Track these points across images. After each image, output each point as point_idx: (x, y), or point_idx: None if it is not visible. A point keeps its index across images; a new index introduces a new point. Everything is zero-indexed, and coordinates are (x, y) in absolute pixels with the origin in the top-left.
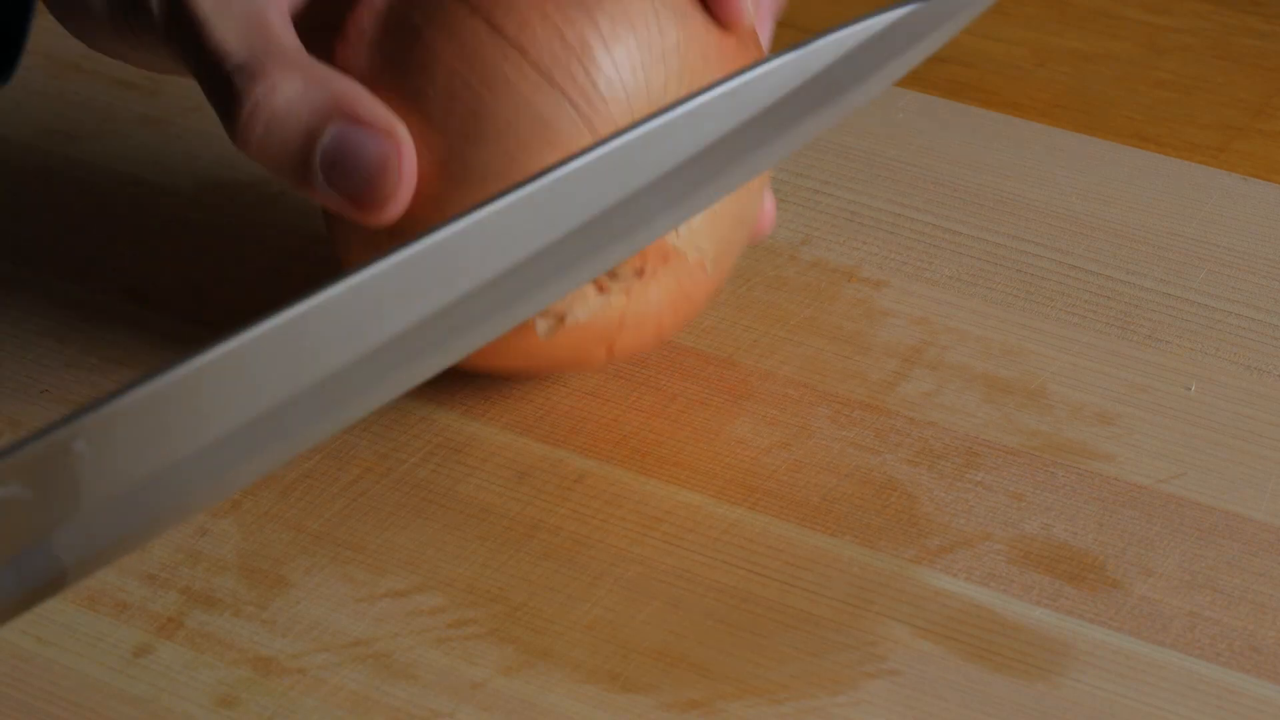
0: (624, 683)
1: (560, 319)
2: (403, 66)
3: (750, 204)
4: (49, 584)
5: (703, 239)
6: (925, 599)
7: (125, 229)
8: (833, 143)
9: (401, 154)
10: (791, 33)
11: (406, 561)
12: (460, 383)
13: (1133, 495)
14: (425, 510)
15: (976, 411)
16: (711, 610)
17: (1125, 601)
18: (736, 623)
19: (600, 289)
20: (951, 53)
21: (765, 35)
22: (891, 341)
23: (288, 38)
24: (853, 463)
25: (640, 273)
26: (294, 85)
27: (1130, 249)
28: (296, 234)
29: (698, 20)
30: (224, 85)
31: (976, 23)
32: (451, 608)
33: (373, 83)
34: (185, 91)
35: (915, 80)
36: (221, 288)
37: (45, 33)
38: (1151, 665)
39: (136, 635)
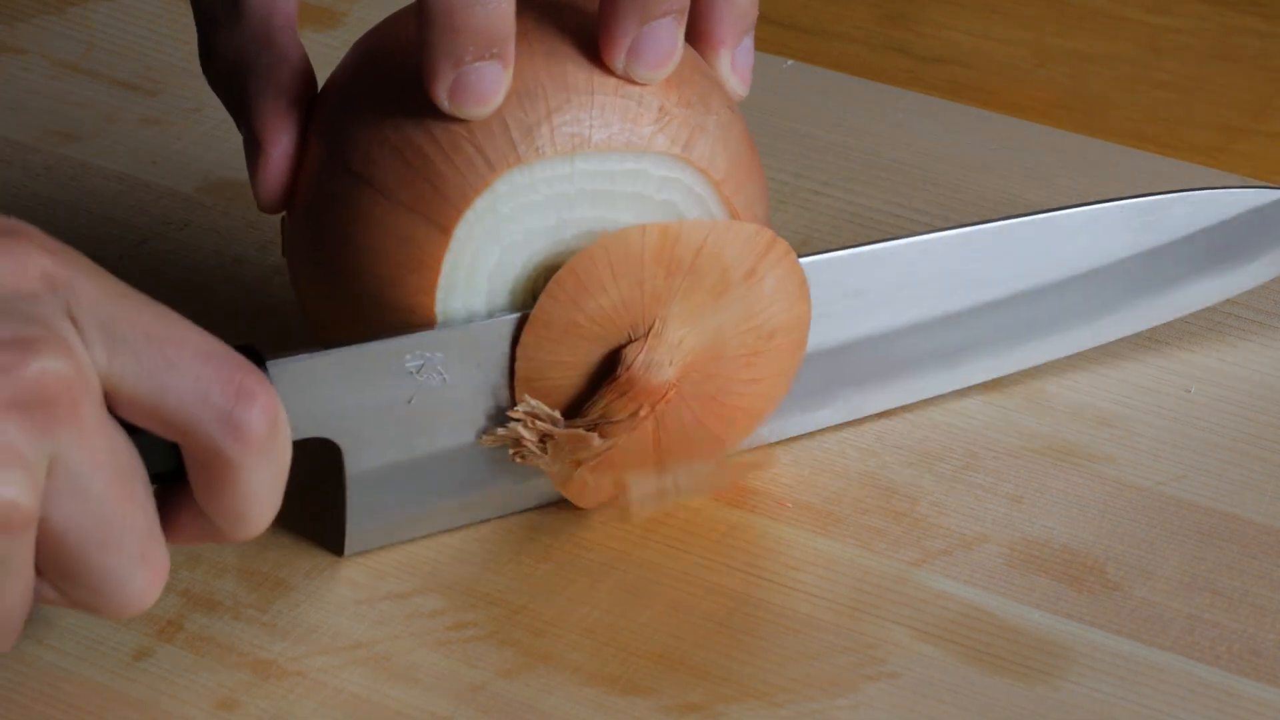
0: (624, 685)
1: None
2: (306, 219)
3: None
4: None
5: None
6: (925, 601)
7: (125, 229)
8: (833, 143)
9: (262, 167)
10: (792, 34)
11: (406, 564)
12: None
13: (1133, 497)
14: None
15: (976, 413)
16: (712, 613)
17: (1125, 604)
18: (737, 626)
19: (603, 436)
20: (951, 53)
21: (742, 58)
22: None
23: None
24: (853, 465)
25: (635, 414)
26: (232, 39)
27: None
28: None
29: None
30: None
31: (976, 23)
32: (451, 610)
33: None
34: (185, 92)
35: (915, 80)
36: (221, 288)
37: (45, 32)
38: (1151, 668)
39: (136, 638)
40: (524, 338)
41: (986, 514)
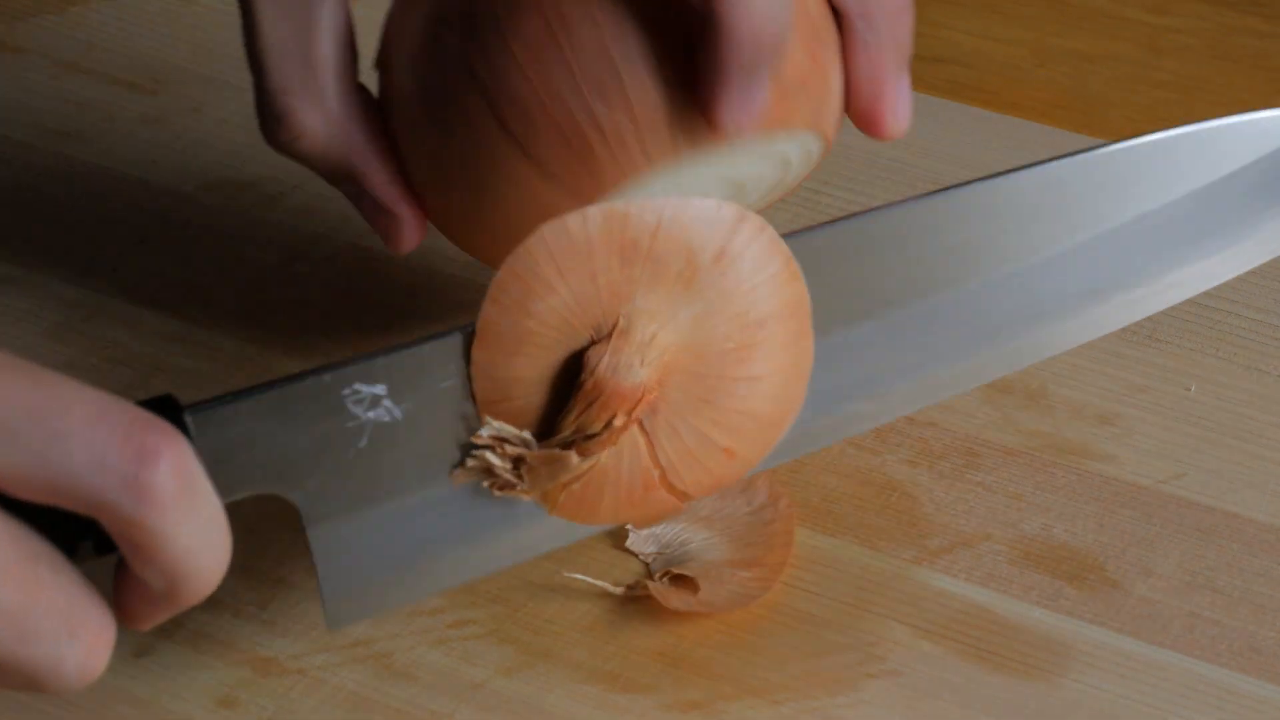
0: (624, 683)
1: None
2: (429, 121)
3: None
4: None
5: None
6: (925, 599)
7: (125, 229)
8: (833, 142)
9: (400, 231)
10: None
11: None
12: None
13: (1133, 496)
14: None
15: (976, 412)
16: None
17: (1125, 602)
18: (736, 623)
19: (581, 454)
20: (951, 53)
21: (900, 91)
22: None
23: (325, 70)
24: (853, 463)
25: (610, 424)
26: (314, 120)
27: None
28: (296, 234)
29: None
30: (258, 88)
31: (976, 23)
32: (451, 608)
33: (405, 112)
34: (185, 91)
35: (915, 80)
36: (221, 288)
37: (45, 32)
38: (1151, 665)
39: (137, 636)
40: (475, 355)
41: (987, 512)
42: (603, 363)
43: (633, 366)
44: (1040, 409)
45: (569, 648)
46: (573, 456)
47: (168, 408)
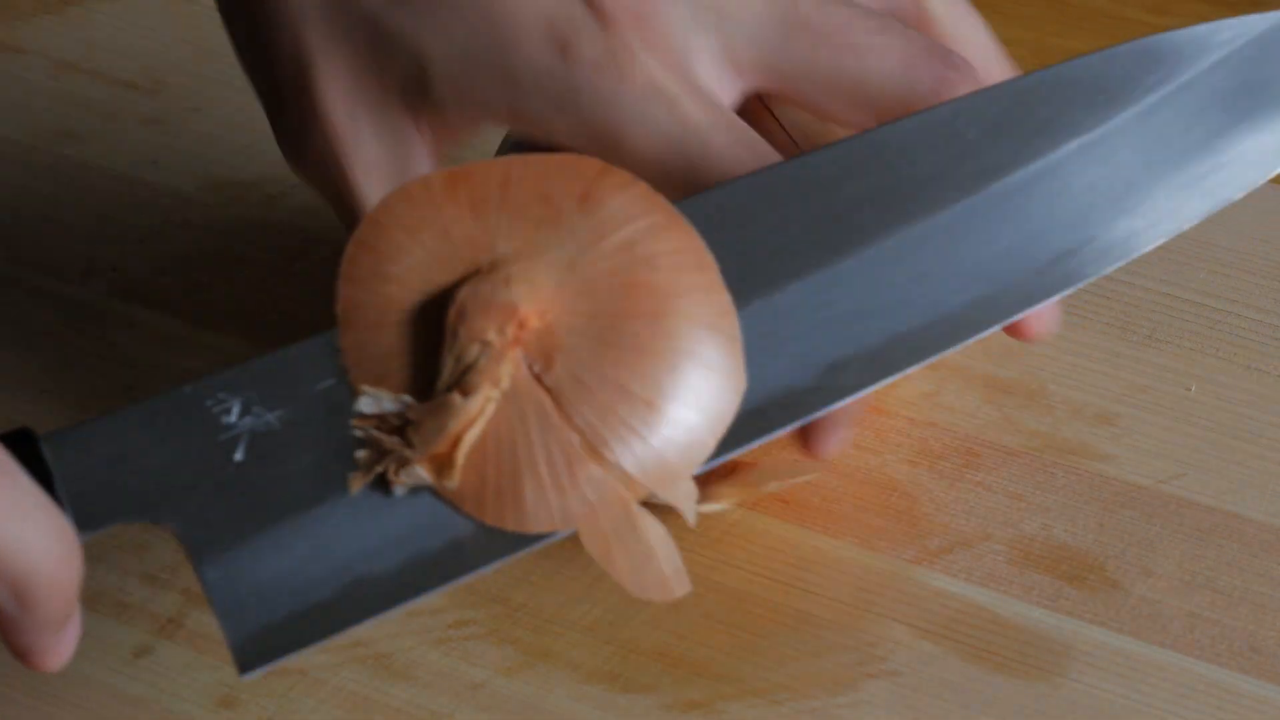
0: (624, 683)
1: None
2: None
3: None
4: None
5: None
6: (925, 599)
7: (125, 229)
8: None
9: None
10: None
11: None
12: None
13: (1132, 496)
14: None
15: (976, 412)
16: (711, 611)
17: (1125, 602)
18: (736, 623)
19: (464, 392)
20: None
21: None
22: None
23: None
24: (853, 463)
25: (489, 346)
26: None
27: None
28: (296, 234)
29: None
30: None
31: None
32: (451, 608)
33: None
34: (186, 91)
35: None
36: (221, 288)
37: (45, 32)
38: (1151, 666)
39: (137, 636)
40: (344, 342)
41: (987, 512)
42: (465, 289)
43: (498, 288)
44: (1040, 409)
45: (569, 648)
46: (455, 397)
47: (21, 440)
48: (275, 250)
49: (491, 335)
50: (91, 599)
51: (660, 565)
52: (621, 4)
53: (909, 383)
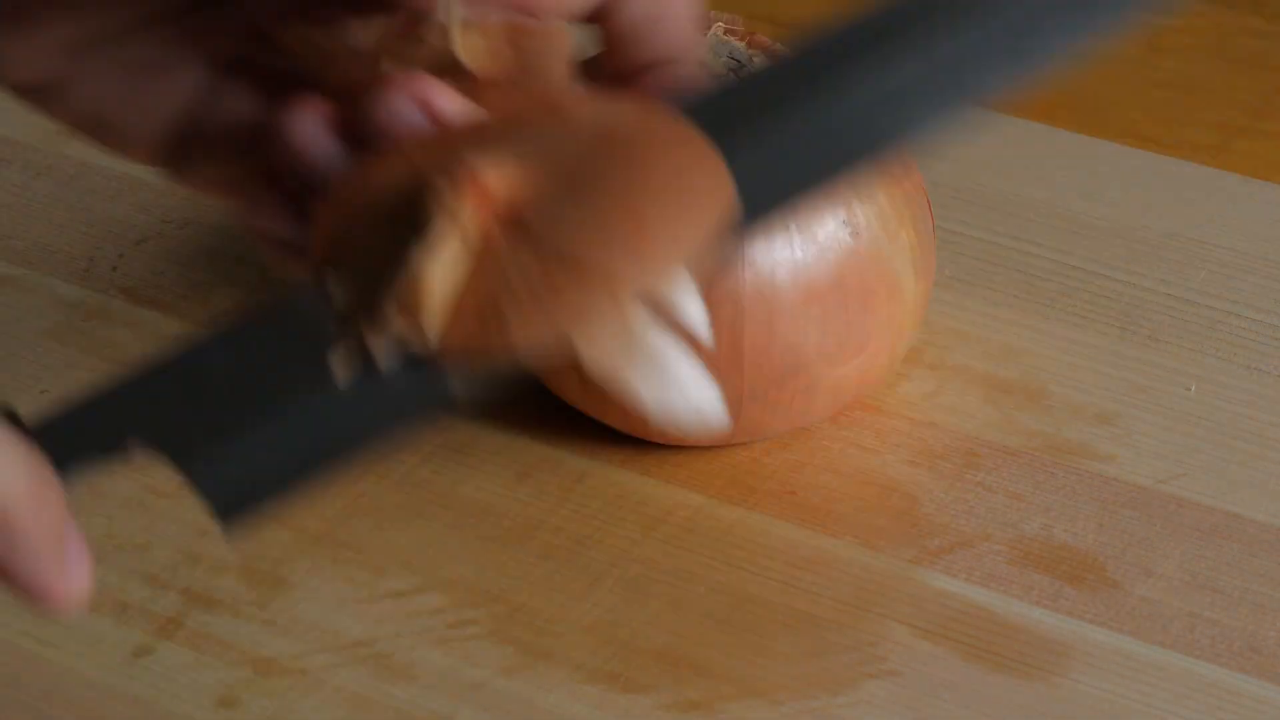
0: (624, 683)
1: None
2: None
3: None
4: None
5: None
6: (925, 599)
7: (125, 229)
8: None
9: None
10: (792, 34)
11: (407, 562)
12: None
13: (1133, 496)
14: (425, 511)
15: (976, 412)
16: (712, 611)
17: (1125, 602)
18: (737, 623)
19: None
20: None
21: None
22: None
23: None
24: (853, 463)
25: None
26: None
27: (1130, 249)
28: None
29: None
30: None
31: None
32: (452, 608)
33: None
34: None
35: None
36: (221, 288)
37: None
38: (1151, 666)
39: (137, 636)
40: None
41: (987, 512)
42: (430, 172)
43: (459, 164)
44: (1040, 409)
45: (569, 648)
46: (416, 246)
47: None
48: None
49: (445, 188)
50: (92, 599)
51: (686, 389)
52: None
53: (909, 383)
